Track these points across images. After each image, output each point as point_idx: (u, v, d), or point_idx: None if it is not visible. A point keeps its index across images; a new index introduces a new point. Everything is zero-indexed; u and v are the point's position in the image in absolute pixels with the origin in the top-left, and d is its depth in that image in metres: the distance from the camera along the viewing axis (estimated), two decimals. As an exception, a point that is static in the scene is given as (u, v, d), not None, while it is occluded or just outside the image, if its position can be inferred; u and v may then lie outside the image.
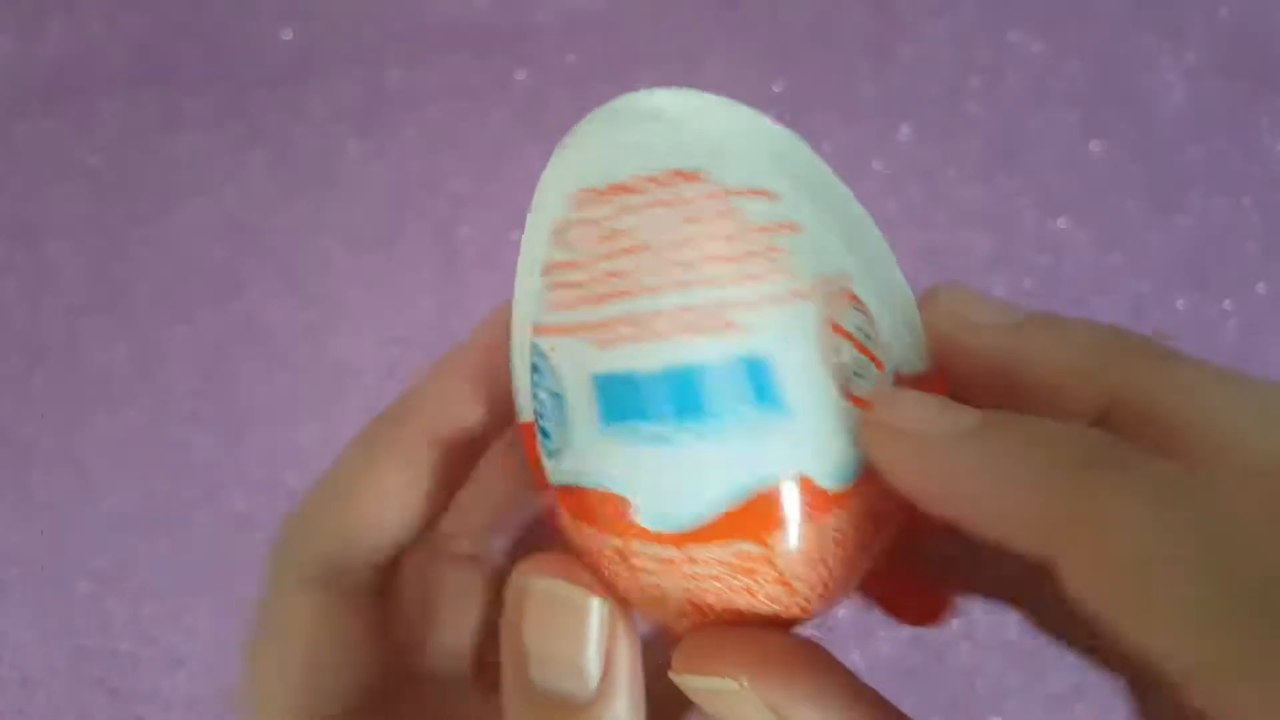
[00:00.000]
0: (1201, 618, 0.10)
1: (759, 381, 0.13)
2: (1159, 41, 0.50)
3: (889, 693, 0.14)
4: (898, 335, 0.15)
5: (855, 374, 0.14)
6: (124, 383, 0.45)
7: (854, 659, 0.36)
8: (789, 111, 0.49)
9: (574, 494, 0.14)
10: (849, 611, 0.38)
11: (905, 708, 0.14)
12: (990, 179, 0.47)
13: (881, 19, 0.52)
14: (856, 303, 0.14)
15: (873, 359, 0.14)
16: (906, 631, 0.41)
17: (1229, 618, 0.10)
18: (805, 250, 0.14)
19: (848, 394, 0.14)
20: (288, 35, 0.54)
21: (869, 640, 0.38)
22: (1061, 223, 0.46)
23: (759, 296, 0.13)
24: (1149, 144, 0.48)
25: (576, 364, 0.14)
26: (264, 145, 0.51)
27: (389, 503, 0.16)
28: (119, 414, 0.44)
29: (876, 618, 0.37)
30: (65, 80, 0.54)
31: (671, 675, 0.14)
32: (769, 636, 0.14)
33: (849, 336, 0.14)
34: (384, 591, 0.17)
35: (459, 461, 0.17)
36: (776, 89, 0.50)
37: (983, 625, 0.41)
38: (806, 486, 0.13)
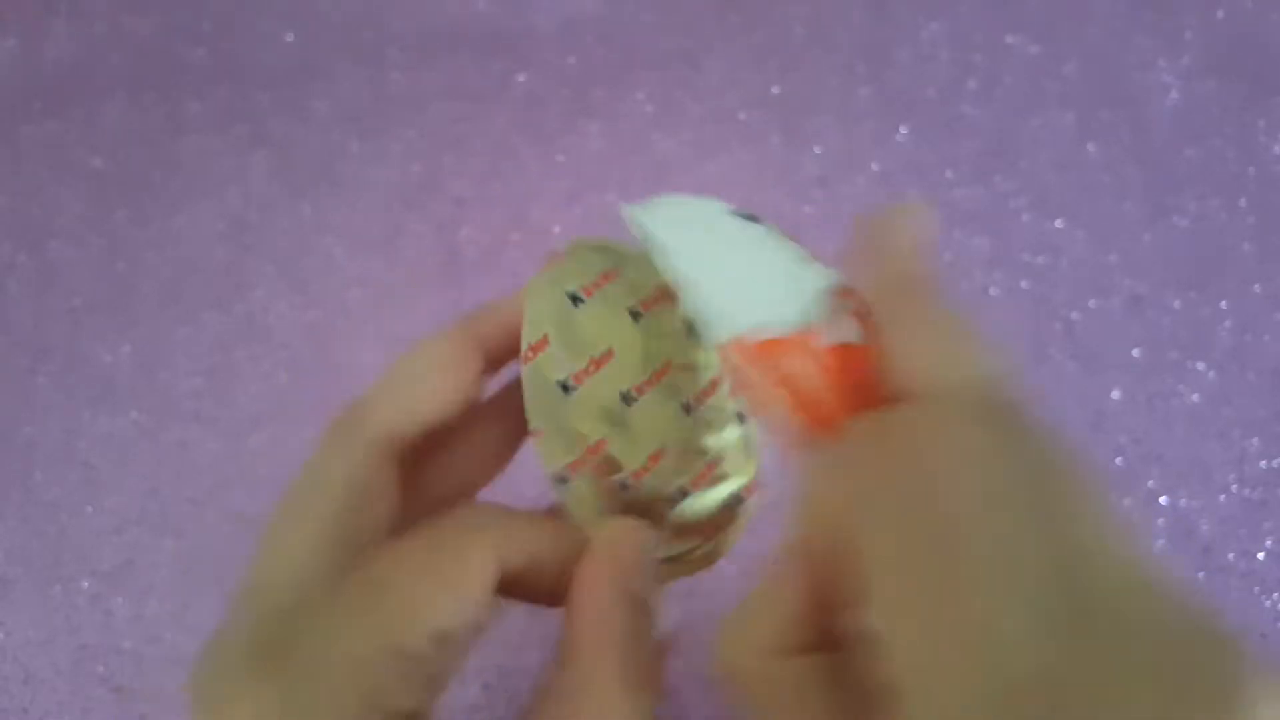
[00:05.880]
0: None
1: None
2: (1155, 43, 0.50)
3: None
4: None
5: None
6: (127, 382, 0.45)
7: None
8: (787, 113, 0.49)
9: None
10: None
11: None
12: (987, 180, 0.47)
13: (879, 21, 0.52)
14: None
15: None
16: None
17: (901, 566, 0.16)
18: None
19: None
20: (290, 38, 0.54)
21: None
22: (1058, 224, 0.46)
23: None
24: (1145, 145, 0.48)
25: None
26: (266, 147, 0.51)
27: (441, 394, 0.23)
28: (122, 413, 0.45)
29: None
30: (69, 82, 0.54)
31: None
32: None
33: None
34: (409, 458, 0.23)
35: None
36: (775, 90, 0.50)
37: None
38: None
